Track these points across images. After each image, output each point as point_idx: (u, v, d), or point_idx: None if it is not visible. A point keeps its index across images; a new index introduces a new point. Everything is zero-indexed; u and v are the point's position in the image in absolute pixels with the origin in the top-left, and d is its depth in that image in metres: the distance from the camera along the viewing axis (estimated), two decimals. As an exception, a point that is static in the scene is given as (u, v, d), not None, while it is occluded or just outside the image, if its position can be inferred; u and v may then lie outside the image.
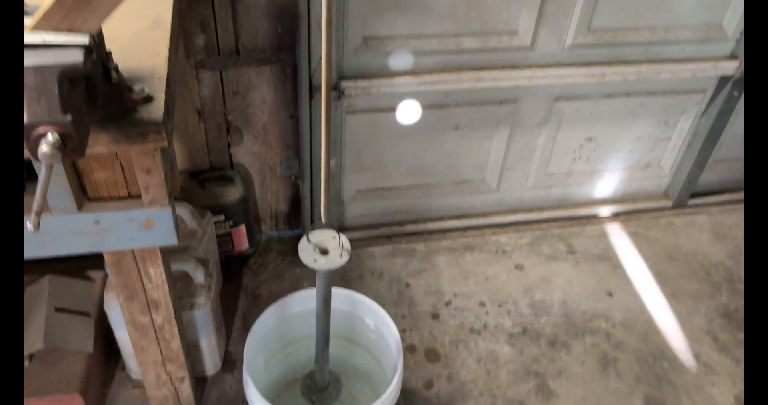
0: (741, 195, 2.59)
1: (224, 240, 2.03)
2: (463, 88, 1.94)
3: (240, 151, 1.99)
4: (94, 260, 1.75)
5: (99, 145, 1.00)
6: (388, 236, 2.31)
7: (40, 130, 0.83)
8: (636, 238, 2.43)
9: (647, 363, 2.03)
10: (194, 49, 1.70)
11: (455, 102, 2.01)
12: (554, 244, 2.38)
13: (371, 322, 1.59)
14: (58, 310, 1.72)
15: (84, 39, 0.83)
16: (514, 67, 1.95)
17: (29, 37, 0.81)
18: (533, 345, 2.05)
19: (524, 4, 1.82)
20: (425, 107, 2.00)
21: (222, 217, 1.97)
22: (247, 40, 1.72)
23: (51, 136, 0.82)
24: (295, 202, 2.19)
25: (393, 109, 1.98)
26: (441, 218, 2.35)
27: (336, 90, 1.82)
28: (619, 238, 2.43)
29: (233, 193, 1.97)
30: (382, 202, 2.25)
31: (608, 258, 2.34)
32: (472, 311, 2.12)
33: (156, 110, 1.03)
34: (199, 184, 1.96)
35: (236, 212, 1.99)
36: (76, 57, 0.82)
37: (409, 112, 2.00)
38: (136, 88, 1.02)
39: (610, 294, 2.22)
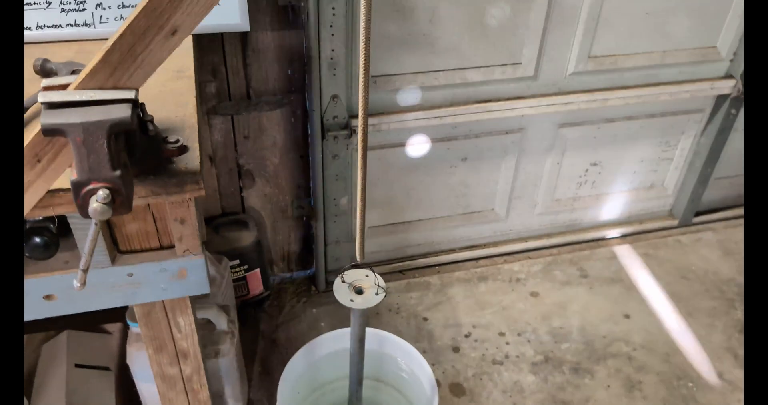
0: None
1: (239, 285, 2.01)
2: (471, 120, 1.97)
3: (251, 194, 1.98)
4: (110, 312, 1.72)
5: (137, 198, 0.99)
6: (401, 271, 2.30)
7: (90, 186, 0.82)
8: (646, 258, 2.44)
9: (672, 384, 2.01)
10: (206, 96, 1.70)
11: (463, 134, 2.03)
12: (566, 269, 2.38)
13: (402, 361, 1.57)
14: (78, 366, 1.68)
15: (130, 94, 0.83)
16: (518, 97, 1.98)
17: (75, 96, 0.81)
18: (557, 373, 2.03)
19: (526, 36, 1.86)
20: (434, 141, 2.02)
21: (237, 262, 1.96)
22: (257, 84, 1.74)
23: (102, 193, 0.81)
24: (307, 242, 2.18)
25: (403, 144, 2.00)
26: (452, 250, 2.35)
27: (347, 129, 1.83)
28: (630, 260, 2.44)
29: (247, 238, 1.96)
30: (394, 237, 2.25)
31: (621, 280, 2.35)
32: (492, 342, 2.11)
33: (192, 160, 1.03)
34: (213, 229, 1.95)
35: (251, 256, 1.97)
36: (124, 112, 0.81)
37: (418, 146, 2.02)
38: (171, 139, 1.02)
39: (627, 316, 2.22)
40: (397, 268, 2.30)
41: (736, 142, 2.36)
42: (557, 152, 2.20)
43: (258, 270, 2.02)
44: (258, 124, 1.82)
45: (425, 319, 2.16)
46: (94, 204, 0.82)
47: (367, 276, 1.26)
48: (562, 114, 2.07)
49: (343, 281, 1.25)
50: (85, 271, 0.89)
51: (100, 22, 1.29)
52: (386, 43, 1.75)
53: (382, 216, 2.18)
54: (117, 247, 1.17)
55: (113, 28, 1.31)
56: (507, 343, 2.11)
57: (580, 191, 2.36)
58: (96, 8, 1.28)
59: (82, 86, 0.82)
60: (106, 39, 1.33)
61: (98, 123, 0.80)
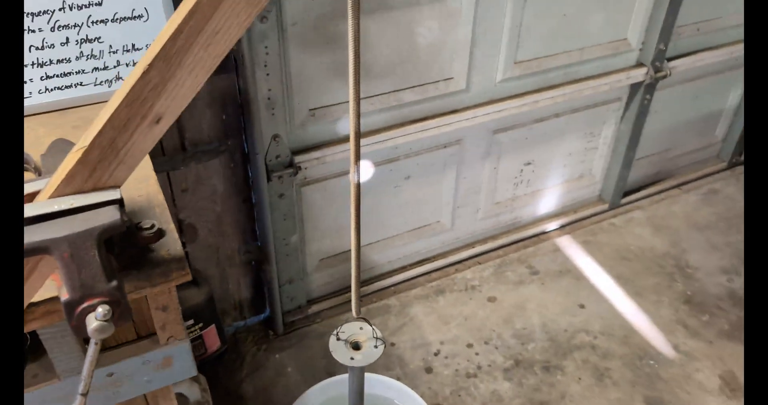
0: (664, 185, 2.77)
1: (196, 345, 1.89)
2: (410, 140, 1.94)
3: (195, 247, 1.86)
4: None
5: (120, 296, 0.89)
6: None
7: (86, 304, 0.72)
8: (587, 246, 2.52)
9: (636, 365, 2.09)
10: (137, 153, 1.57)
11: (404, 154, 2.00)
12: (516, 268, 2.42)
13: (397, 400, 1.53)
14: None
15: (114, 194, 0.73)
16: (453, 111, 1.97)
17: (53, 206, 0.71)
18: (529, 374, 2.05)
19: (455, 51, 1.85)
20: (376, 164, 1.98)
21: (191, 322, 1.83)
22: (191, 134, 1.62)
23: (102, 309, 0.72)
24: (258, 286, 2.08)
25: (346, 173, 1.94)
26: (405, 267, 2.32)
27: (291, 167, 1.75)
28: (572, 250, 2.50)
29: (198, 295, 1.83)
30: (346, 266, 2.19)
31: (569, 271, 2.41)
32: (462, 356, 2.10)
33: (172, 244, 0.93)
34: (162, 291, 1.81)
35: (204, 314, 1.85)
36: (112, 216, 0.72)
37: (361, 172, 1.97)
38: (146, 224, 0.92)
39: (582, 306, 2.27)
40: (353, 295, 2.24)
41: (651, 124, 2.47)
42: (493, 157, 2.22)
43: (213, 326, 1.91)
44: (196, 174, 1.71)
45: (392, 344, 2.12)
46: (95, 323, 0.72)
47: (361, 329, 1.20)
48: (495, 121, 2.09)
49: (338, 339, 1.18)
50: (85, 395, 0.78)
51: (39, 93, 1.15)
52: (320, 75, 1.68)
53: (332, 246, 2.11)
54: (90, 347, 1.05)
55: (56, 98, 1.17)
56: (476, 354, 2.10)
57: (517, 191, 2.40)
58: (30, 82, 1.14)
59: (57, 193, 0.71)
60: (48, 112, 1.20)
61: (86, 233, 0.70)
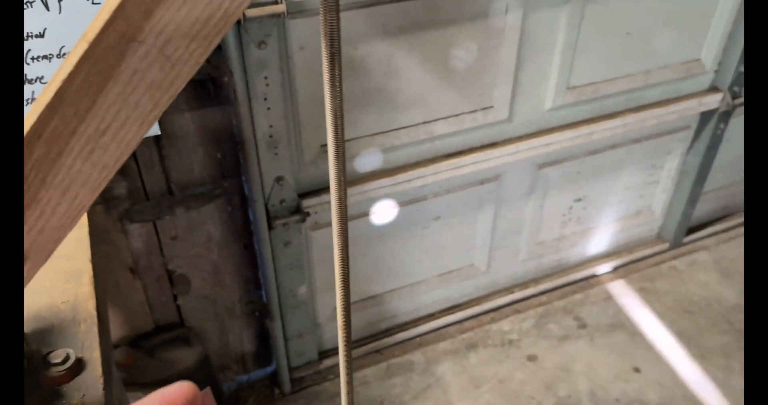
0: (733, 222, 2.42)
1: (189, 408, 1.64)
2: (442, 179, 1.65)
3: (189, 300, 1.61)
4: None
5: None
6: (378, 351, 1.97)
7: None
8: (644, 294, 2.20)
9: (700, 445, 1.77)
10: (115, 200, 1.32)
11: (433, 192, 1.72)
12: (561, 320, 2.11)
13: None
14: None
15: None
16: (493, 144, 1.68)
17: None
18: (574, 452, 1.75)
19: (497, 76, 1.56)
20: (401, 204, 1.69)
21: (182, 385, 1.58)
22: (180, 176, 1.36)
23: None
24: (263, 338, 1.82)
25: (365, 214, 1.66)
26: (432, 315, 2.04)
27: (298, 212, 1.48)
28: (627, 298, 2.18)
29: (190, 356, 1.58)
30: (364, 314, 1.92)
31: (622, 325, 2.09)
32: (496, 426, 1.81)
33: (92, 384, 0.66)
34: (147, 352, 1.56)
35: (198, 376, 1.60)
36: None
37: (383, 213, 1.69)
38: (56, 358, 0.66)
39: (637, 370, 1.96)
40: (372, 348, 1.96)
41: (721, 153, 2.13)
42: (538, 194, 1.92)
43: (208, 388, 1.65)
44: (187, 221, 1.45)
45: (415, 410, 1.84)
46: None
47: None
48: (542, 155, 1.79)
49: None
50: None
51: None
52: (334, 106, 1.40)
53: (349, 294, 1.84)
54: None
55: None
56: (513, 426, 1.81)
57: (564, 230, 2.09)
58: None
59: None
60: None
61: None
